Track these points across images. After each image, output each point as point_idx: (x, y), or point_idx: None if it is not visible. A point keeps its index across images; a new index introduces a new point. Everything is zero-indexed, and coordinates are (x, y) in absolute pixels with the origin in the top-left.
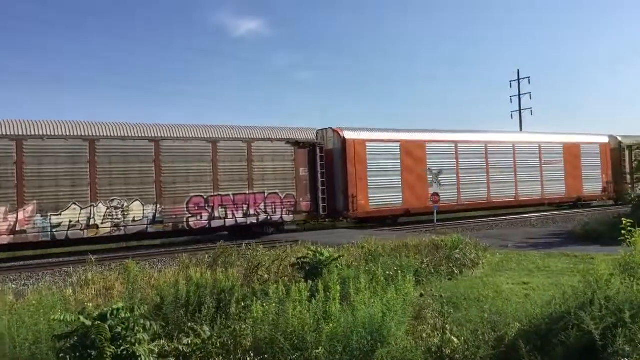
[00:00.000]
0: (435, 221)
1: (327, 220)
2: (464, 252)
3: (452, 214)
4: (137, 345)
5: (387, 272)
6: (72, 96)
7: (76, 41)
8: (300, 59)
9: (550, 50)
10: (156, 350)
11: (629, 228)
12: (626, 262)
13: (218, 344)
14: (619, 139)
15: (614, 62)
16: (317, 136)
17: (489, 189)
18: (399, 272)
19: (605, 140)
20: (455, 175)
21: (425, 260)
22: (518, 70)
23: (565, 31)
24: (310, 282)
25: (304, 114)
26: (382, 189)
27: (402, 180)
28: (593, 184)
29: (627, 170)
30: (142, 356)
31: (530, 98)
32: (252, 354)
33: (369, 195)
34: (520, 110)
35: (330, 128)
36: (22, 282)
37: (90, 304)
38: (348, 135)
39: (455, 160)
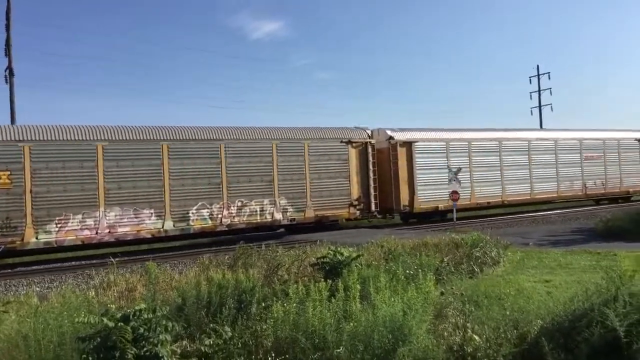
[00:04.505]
0: (455, 219)
1: None
2: (484, 250)
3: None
4: (159, 346)
5: (407, 271)
6: (74, 100)
7: (90, 45)
8: (318, 59)
9: (572, 44)
10: (178, 351)
11: None
12: None
13: (239, 344)
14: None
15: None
16: None
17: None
18: (419, 270)
19: None
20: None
21: (445, 259)
22: (537, 65)
23: (587, 22)
24: (330, 281)
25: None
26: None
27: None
28: None
29: None
30: (165, 357)
31: (551, 94)
32: (273, 354)
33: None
34: (540, 106)
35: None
36: (46, 285)
37: (113, 306)
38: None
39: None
